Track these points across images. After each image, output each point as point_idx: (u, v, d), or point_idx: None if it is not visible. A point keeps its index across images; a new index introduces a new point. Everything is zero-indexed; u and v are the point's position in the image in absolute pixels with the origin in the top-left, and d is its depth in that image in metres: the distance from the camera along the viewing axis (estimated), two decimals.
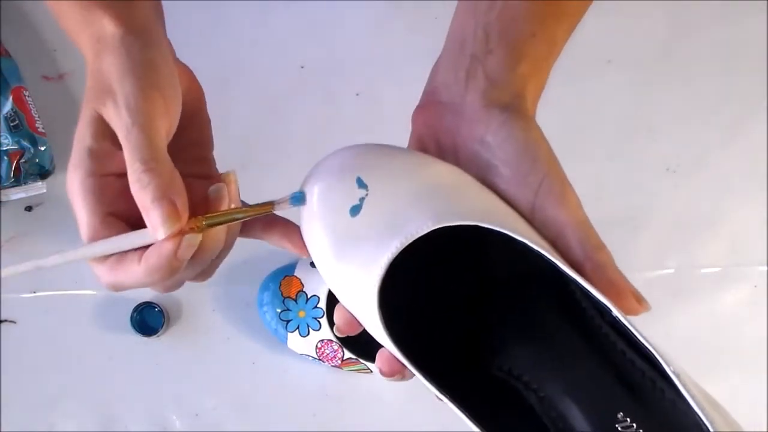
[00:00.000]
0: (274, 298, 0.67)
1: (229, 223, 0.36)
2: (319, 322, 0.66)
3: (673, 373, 0.30)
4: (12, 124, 0.67)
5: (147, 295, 0.70)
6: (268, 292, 0.67)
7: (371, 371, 0.67)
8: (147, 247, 0.34)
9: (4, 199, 0.69)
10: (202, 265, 0.36)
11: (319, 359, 0.67)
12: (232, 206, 0.36)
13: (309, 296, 0.67)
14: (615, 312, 0.32)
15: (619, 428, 0.34)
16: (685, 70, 0.73)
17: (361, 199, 0.36)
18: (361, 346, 0.66)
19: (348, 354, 0.66)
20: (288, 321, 0.67)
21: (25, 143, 0.67)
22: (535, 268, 0.37)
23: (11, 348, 0.70)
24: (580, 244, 0.34)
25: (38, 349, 0.70)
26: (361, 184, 0.36)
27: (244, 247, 0.73)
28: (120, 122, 0.33)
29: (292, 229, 0.39)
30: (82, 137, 0.34)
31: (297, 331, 0.67)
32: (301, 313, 0.67)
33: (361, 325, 0.37)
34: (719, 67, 0.73)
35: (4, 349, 0.70)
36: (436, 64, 0.41)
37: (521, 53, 0.37)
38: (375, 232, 0.35)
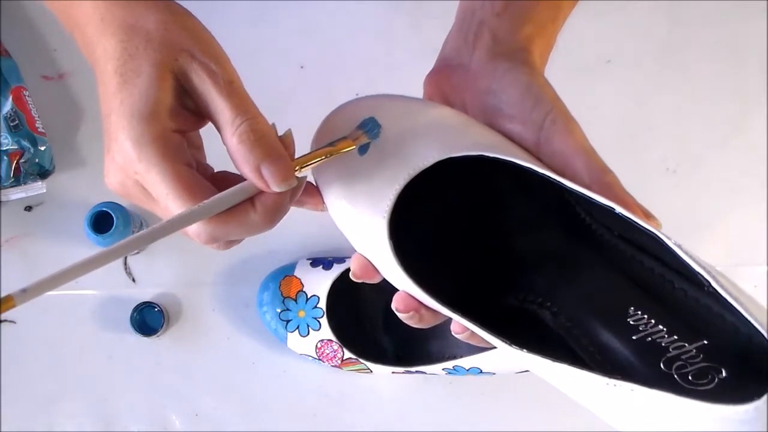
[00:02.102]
0: (274, 298, 0.67)
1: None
2: (318, 322, 0.66)
3: (675, 244, 0.31)
4: (12, 124, 0.67)
5: (147, 295, 0.70)
6: (268, 292, 0.67)
7: (371, 371, 0.67)
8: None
9: (4, 199, 0.69)
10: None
11: (319, 359, 0.67)
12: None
13: (309, 296, 0.67)
14: (618, 210, 0.33)
15: (631, 322, 0.35)
16: (685, 70, 0.73)
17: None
18: (361, 346, 0.66)
19: (348, 354, 0.66)
20: (288, 321, 0.67)
21: (25, 143, 0.67)
22: (543, 200, 0.39)
23: (11, 348, 0.70)
24: (586, 170, 0.35)
25: (38, 349, 0.70)
26: None
27: (244, 247, 0.73)
28: (215, 82, 0.34)
29: (308, 186, 0.39)
30: (150, 91, 0.33)
31: (297, 331, 0.67)
32: (301, 313, 0.67)
33: (377, 271, 0.38)
34: (719, 68, 0.73)
35: (4, 349, 0.70)
36: (447, 35, 0.42)
37: (526, 17, 0.39)
38: (383, 169, 0.36)
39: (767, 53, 0.72)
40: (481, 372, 0.65)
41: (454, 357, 0.65)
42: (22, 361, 0.70)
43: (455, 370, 0.65)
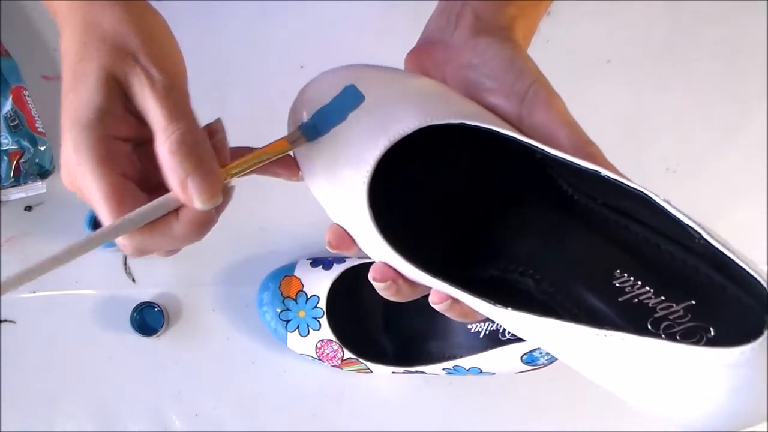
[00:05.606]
0: (274, 298, 0.67)
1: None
2: (318, 322, 0.66)
3: (664, 200, 0.31)
4: (12, 124, 0.67)
5: (147, 295, 0.70)
6: (268, 292, 0.67)
7: (371, 371, 0.67)
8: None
9: (4, 199, 0.69)
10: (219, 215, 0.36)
11: (319, 359, 0.67)
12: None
13: (309, 296, 0.67)
14: (604, 173, 0.33)
15: (617, 284, 0.35)
16: (685, 70, 0.73)
17: None
18: (362, 346, 0.66)
19: (348, 354, 0.66)
20: (288, 321, 0.67)
21: (25, 143, 0.67)
22: (524, 172, 0.38)
23: (11, 348, 0.70)
24: (569, 141, 0.35)
25: (38, 349, 0.70)
26: None
27: (244, 247, 0.73)
28: (153, 88, 0.33)
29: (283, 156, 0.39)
30: (90, 97, 0.33)
31: (297, 331, 0.67)
32: (301, 313, 0.67)
33: (353, 242, 0.37)
34: (719, 67, 0.73)
35: (4, 349, 0.70)
36: (429, 18, 0.42)
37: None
38: (363, 135, 0.36)
39: (767, 53, 0.72)
40: (481, 372, 0.65)
41: (454, 357, 0.65)
42: (22, 361, 0.70)
43: (455, 370, 0.65)
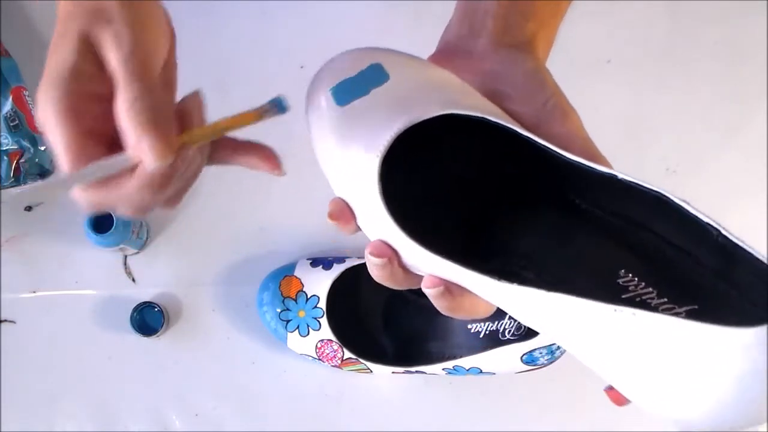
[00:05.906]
0: (274, 298, 0.67)
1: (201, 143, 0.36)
2: (318, 322, 0.66)
3: (681, 200, 0.32)
4: (12, 124, 0.67)
5: (147, 295, 0.70)
6: (268, 292, 0.67)
7: (371, 371, 0.67)
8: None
9: (4, 199, 0.69)
10: (178, 184, 0.37)
11: (319, 359, 0.67)
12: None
13: (309, 296, 0.67)
14: (621, 176, 0.33)
15: (621, 282, 0.35)
16: (685, 70, 0.73)
17: None
18: (361, 346, 0.66)
19: (348, 354, 0.66)
20: (288, 321, 0.67)
21: (25, 143, 0.67)
22: (533, 177, 0.38)
23: (11, 348, 0.70)
24: (582, 155, 0.35)
25: (38, 349, 0.70)
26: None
27: (244, 247, 0.73)
28: (118, 48, 0.33)
29: (261, 147, 0.39)
30: (63, 55, 0.34)
31: (297, 331, 0.67)
32: (301, 313, 0.67)
33: (353, 216, 0.37)
34: (719, 67, 0.73)
35: (4, 349, 0.70)
36: (448, 24, 0.43)
37: (528, 12, 0.40)
38: (384, 112, 0.36)
39: (767, 53, 0.72)
40: (481, 372, 0.65)
41: (454, 357, 0.65)
42: (22, 361, 0.70)
43: (455, 370, 0.65)
